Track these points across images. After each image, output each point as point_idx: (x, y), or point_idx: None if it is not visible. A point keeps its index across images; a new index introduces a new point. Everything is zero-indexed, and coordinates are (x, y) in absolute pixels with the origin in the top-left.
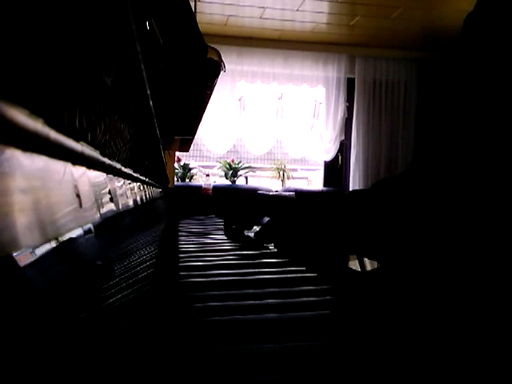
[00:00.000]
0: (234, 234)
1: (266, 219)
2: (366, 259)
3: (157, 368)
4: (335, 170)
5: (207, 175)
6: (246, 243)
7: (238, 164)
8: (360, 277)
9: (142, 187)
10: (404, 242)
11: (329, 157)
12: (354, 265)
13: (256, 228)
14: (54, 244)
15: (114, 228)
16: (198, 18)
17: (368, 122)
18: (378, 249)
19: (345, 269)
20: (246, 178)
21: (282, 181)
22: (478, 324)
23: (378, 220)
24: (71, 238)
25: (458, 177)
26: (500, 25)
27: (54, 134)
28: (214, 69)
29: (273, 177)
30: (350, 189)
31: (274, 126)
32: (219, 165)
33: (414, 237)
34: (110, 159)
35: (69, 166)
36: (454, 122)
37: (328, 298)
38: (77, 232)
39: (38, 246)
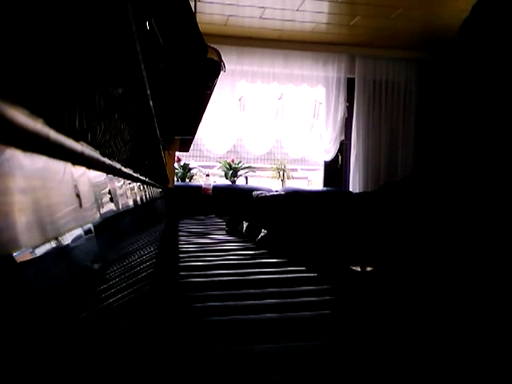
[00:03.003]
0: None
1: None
2: None
3: (157, 368)
4: (335, 169)
5: (207, 175)
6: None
7: (238, 164)
8: (360, 277)
9: (141, 187)
10: (405, 245)
11: (329, 157)
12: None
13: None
14: (53, 244)
15: (114, 228)
16: (198, 17)
17: (368, 122)
18: (379, 254)
19: (345, 269)
20: (246, 177)
21: (282, 181)
22: (478, 324)
23: (381, 224)
24: (71, 238)
25: (459, 182)
26: (495, 30)
27: (53, 134)
28: (214, 69)
29: (273, 177)
30: (350, 189)
31: (274, 125)
32: (219, 165)
33: (415, 240)
34: (110, 159)
35: (69, 166)
36: (454, 124)
37: (328, 298)
38: (77, 232)
39: (38, 246)
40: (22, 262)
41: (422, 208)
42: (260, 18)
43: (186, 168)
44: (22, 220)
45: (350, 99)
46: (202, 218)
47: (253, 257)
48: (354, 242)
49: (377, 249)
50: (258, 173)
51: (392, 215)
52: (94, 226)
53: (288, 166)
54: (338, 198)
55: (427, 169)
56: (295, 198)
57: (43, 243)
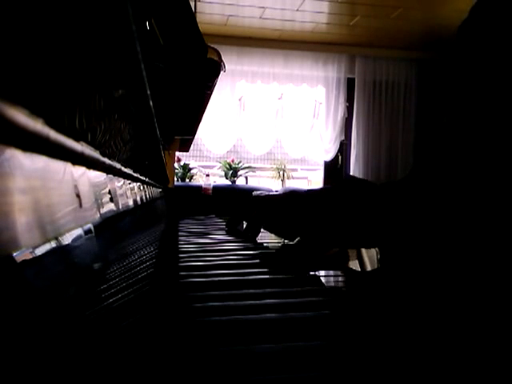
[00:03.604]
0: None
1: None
2: (365, 259)
3: (157, 368)
4: (335, 170)
5: (207, 175)
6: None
7: (238, 164)
8: (360, 277)
9: (141, 187)
10: (403, 244)
11: (329, 157)
12: (354, 265)
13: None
14: (54, 244)
15: (114, 228)
16: (198, 17)
17: (368, 122)
18: (378, 240)
19: (345, 269)
20: (246, 177)
21: (282, 181)
22: (478, 324)
23: (379, 223)
24: (71, 238)
25: (458, 179)
26: (494, 31)
27: (53, 134)
28: (214, 69)
29: (273, 177)
30: None
31: (274, 125)
32: (219, 165)
33: (415, 236)
34: (110, 159)
35: (69, 166)
36: (453, 124)
37: (328, 298)
38: (77, 232)
39: (38, 246)
40: (21, 262)
41: (421, 208)
42: (260, 18)
43: (186, 168)
44: (22, 220)
45: (350, 99)
46: (202, 218)
47: (253, 257)
48: (353, 241)
49: (376, 247)
50: (258, 173)
51: (390, 215)
52: (94, 226)
53: (288, 166)
54: (337, 196)
55: (426, 168)
56: (293, 197)
57: (43, 243)
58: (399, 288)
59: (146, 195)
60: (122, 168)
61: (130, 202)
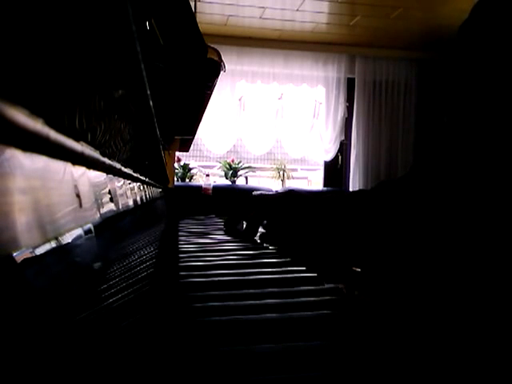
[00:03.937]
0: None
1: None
2: None
3: (157, 368)
4: (335, 169)
5: (207, 175)
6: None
7: (238, 164)
8: (360, 277)
9: (141, 187)
10: (402, 244)
11: (329, 157)
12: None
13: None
14: (54, 244)
15: (114, 228)
16: (198, 17)
17: (368, 122)
18: (375, 253)
19: (345, 269)
20: (246, 178)
21: (282, 181)
22: (478, 324)
23: (379, 224)
24: (71, 238)
25: (458, 180)
26: (495, 32)
27: (53, 134)
28: (214, 69)
29: (273, 177)
30: (350, 189)
31: (274, 125)
32: (219, 165)
33: (414, 240)
34: (110, 159)
35: (69, 166)
36: (453, 124)
37: (328, 297)
38: (77, 232)
39: (38, 246)
40: (21, 262)
41: (419, 207)
42: (260, 18)
43: (186, 168)
44: (22, 220)
45: (350, 99)
46: (202, 218)
47: (253, 257)
48: (351, 241)
49: (373, 247)
50: (258, 173)
51: (389, 213)
52: (94, 226)
53: (288, 166)
54: (335, 196)
55: (425, 168)
56: (292, 197)
57: (43, 243)
58: (399, 288)
59: (145, 195)
60: (122, 168)
61: (130, 202)
